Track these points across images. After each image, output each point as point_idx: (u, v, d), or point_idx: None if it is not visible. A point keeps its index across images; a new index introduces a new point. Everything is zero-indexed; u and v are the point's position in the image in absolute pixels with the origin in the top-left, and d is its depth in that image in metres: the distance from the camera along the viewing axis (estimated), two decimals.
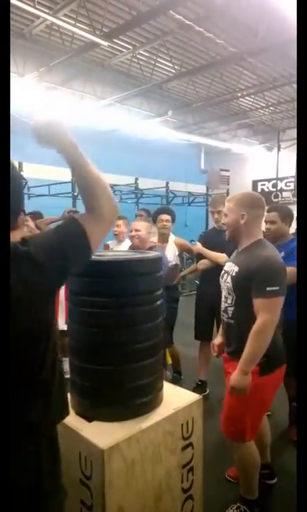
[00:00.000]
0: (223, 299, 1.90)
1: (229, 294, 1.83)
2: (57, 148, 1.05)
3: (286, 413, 2.70)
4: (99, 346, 1.53)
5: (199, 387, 3.16)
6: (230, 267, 1.85)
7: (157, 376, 1.66)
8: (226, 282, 1.85)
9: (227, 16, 4.91)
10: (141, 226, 2.69)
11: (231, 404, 1.82)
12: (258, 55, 5.67)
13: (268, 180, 11.41)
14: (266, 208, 2.83)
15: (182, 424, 1.66)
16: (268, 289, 1.61)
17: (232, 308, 1.82)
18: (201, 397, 1.79)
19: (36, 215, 4.11)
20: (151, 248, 2.72)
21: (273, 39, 5.00)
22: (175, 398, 1.73)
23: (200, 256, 3.10)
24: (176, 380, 3.35)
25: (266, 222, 2.57)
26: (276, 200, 10.76)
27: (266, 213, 2.67)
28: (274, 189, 11.15)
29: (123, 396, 1.55)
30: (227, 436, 1.90)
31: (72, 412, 1.61)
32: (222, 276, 1.93)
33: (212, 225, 10.83)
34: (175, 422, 1.63)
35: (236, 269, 1.78)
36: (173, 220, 3.37)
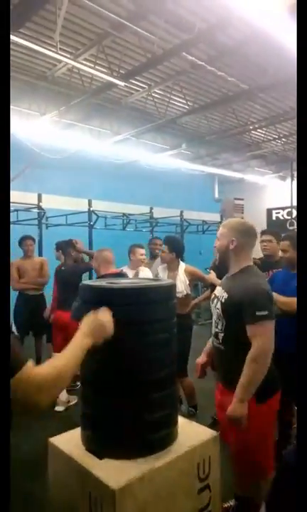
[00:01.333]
0: (213, 323, 1.91)
1: (219, 319, 1.85)
2: (96, 341, 1.23)
3: None
4: (110, 377, 1.50)
5: (215, 423, 3.03)
6: (220, 293, 1.88)
7: (171, 410, 1.61)
8: (216, 308, 1.87)
9: (237, 56, 5.13)
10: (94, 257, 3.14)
11: (238, 449, 1.75)
12: (268, 90, 5.86)
13: (283, 209, 11.41)
14: (271, 237, 2.95)
15: (198, 464, 1.58)
16: (257, 313, 1.64)
17: (222, 334, 1.83)
18: (218, 434, 1.71)
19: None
20: (105, 275, 2.84)
21: (281, 75, 5.18)
22: (191, 435, 1.66)
23: (215, 285, 3.06)
24: (191, 415, 3.22)
25: (281, 250, 2.62)
26: (291, 227, 10.70)
27: (280, 242, 2.70)
28: (289, 217, 11.12)
29: (136, 431, 1.49)
30: (247, 481, 1.78)
31: (82, 447, 1.56)
32: (212, 301, 1.95)
33: None
34: (191, 461, 1.55)
35: (225, 295, 1.82)
36: (172, 250, 3.30)
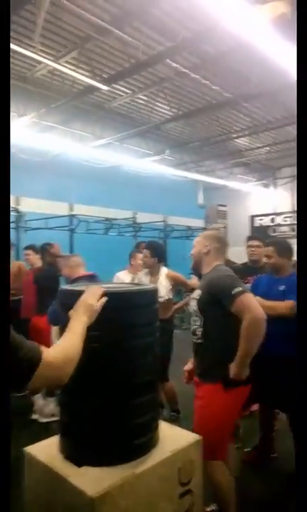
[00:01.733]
0: (192, 322, 2.05)
1: (196, 316, 1.99)
2: (89, 320, 1.29)
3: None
4: (91, 383, 1.46)
5: None
6: (196, 293, 2.05)
7: (153, 415, 1.58)
8: (193, 306, 2.03)
9: (221, 65, 5.21)
10: (63, 264, 3.09)
11: (199, 424, 1.88)
12: (252, 100, 5.97)
13: (266, 216, 11.60)
14: (258, 242, 3.03)
15: (179, 468, 1.55)
16: (233, 292, 1.78)
17: (200, 329, 1.97)
18: (200, 438, 1.69)
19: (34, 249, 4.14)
20: (78, 279, 2.83)
21: (265, 85, 5.29)
22: (172, 439, 1.63)
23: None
24: (173, 419, 3.19)
25: (265, 256, 2.68)
26: (273, 234, 10.89)
27: (265, 248, 2.74)
28: (272, 224, 11.31)
29: (116, 437, 1.45)
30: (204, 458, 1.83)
31: (59, 456, 1.51)
32: (190, 303, 2.11)
33: None
34: (172, 466, 1.52)
35: (199, 292, 1.99)
36: (153, 255, 3.29)
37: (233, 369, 1.81)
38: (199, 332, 1.97)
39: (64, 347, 1.13)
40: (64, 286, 1.78)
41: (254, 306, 1.77)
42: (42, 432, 3.10)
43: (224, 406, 1.84)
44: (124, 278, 3.83)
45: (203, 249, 2.06)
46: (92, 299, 1.35)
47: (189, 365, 2.19)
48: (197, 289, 2.06)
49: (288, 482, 2.44)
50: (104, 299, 1.37)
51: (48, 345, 1.14)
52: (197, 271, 2.15)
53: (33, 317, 3.84)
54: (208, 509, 2.06)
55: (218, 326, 1.89)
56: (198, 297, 1.99)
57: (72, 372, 1.10)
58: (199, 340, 1.98)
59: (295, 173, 10.65)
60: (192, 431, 1.87)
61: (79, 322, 1.27)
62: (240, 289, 1.80)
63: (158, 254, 3.31)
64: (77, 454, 1.48)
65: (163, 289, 3.14)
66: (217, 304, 1.85)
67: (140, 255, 3.80)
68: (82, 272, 3.03)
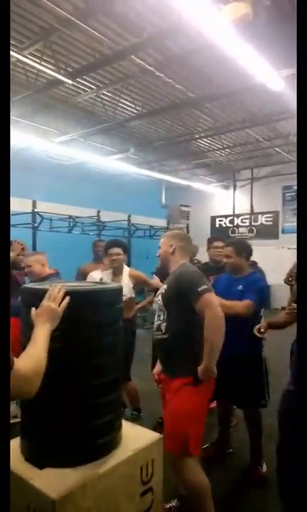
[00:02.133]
0: (156, 318, 2.07)
1: (160, 310, 2.02)
2: (52, 327, 1.30)
3: (246, 450, 2.65)
4: (52, 383, 1.43)
5: (160, 426, 3.03)
6: (161, 288, 2.09)
7: (115, 415, 1.57)
8: (158, 300, 2.07)
9: (185, 64, 5.27)
10: (32, 261, 2.96)
11: (172, 418, 1.88)
12: (214, 100, 6.09)
13: (226, 217, 11.90)
14: (222, 243, 3.05)
15: (141, 467, 1.56)
16: (199, 289, 1.82)
17: (164, 324, 1.99)
18: (162, 436, 1.71)
19: None
20: (48, 276, 2.84)
21: (227, 87, 5.41)
22: (134, 438, 1.64)
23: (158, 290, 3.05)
24: (135, 418, 3.20)
25: (224, 256, 2.71)
26: (233, 235, 11.20)
27: (224, 248, 2.79)
28: (231, 225, 11.63)
29: (78, 438, 1.44)
30: (171, 453, 1.85)
31: (21, 458, 1.47)
32: (156, 298, 2.14)
33: None
34: (134, 465, 1.53)
35: (165, 287, 2.04)
36: (125, 252, 3.28)
37: (203, 367, 1.81)
38: (163, 327, 1.98)
39: (33, 360, 1.13)
40: (26, 285, 1.72)
41: (214, 304, 1.82)
42: None
43: (196, 400, 1.86)
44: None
45: (169, 249, 2.10)
46: (53, 303, 1.34)
47: (158, 367, 2.17)
48: (164, 283, 2.09)
49: (244, 476, 2.53)
50: (66, 302, 1.36)
51: (15, 346, 1.11)
52: (165, 271, 2.20)
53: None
54: (167, 506, 2.06)
55: (183, 321, 1.91)
56: (164, 291, 2.02)
57: (39, 383, 1.10)
58: (164, 336, 1.98)
59: (252, 176, 11.08)
60: (164, 427, 1.90)
61: (43, 330, 1.26)
62: (205, 286, 1.84)
63: (127, 252, 3.33)
64: (38, 455, 1.45)
65: (126, 287, 3.13)
66: (183, 298, 1.88)
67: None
68: (47, 270, 3.00)
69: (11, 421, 3.25)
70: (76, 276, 4.21)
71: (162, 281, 2.93)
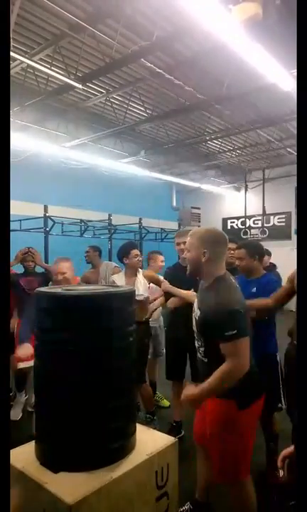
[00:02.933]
0: (196, 336, 1.87)
1: (197, 335, 1.82)
2: None
3: (263, 455, 2.60)
4: (66, 388, 1.43)
5: (174, 429, 3.01)
6: (196, 307, 1.84)
7: (130, 419, 1.56)
8: (194, 323, 1.84)
9: (195, 66, 5.27)
10: (66, 268, 2.86)
11: (221, 450, 1.71)
12: (224, 102, 6.07)
13: (237, 218, 11.82)
14: (235, 245, 2.94)
15: (156, 472, 1.54)
16: (226, 334, 1.57)
17: (202, 349, 1.80)
18: (176, 440, 1.68)
19: None
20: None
21: (237, 88, 5.39)
22: (149, 442, 1.62)
23: (169, 294, 3.02)
24: (149, 422, 3.18)
25: (236, 258, 2.66)
26: (245, 236, 11.12)
27: (236, 250, 2.75)
28: (243, 226, 11.54)
29: (93, 442, 1.43)
30: (223, 483, 1.77)
31: (36, 462, 1.47)
32: (193, 312, 1.91)
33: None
34: (149, 470, 1.51)
35: (198, 312, 1.78)
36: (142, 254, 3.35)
37: (190, 393, 1.63)
38: (201, 351, 1.81)
39: None
40: (39, 289, 1.68)
41: (241, 354, 1.59)
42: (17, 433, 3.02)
43: (242, 423, 1.69)
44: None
45: (201, 256, 1.73)
46: None
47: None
48: (196, 303, 1.85)
49: (261, 481, 2.48)
50: None
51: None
52: (193, 277, 1.89)
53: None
54: (181, 509, 2.02)
55: (218, 349, 1.63)
56: (197, 318, 1.78)
57: None
58: (203, 359, 1.81)
59: (264, 176, 10.98)
60: (212, 459, 1.77)
61: None
62: (234, 332, 1.57)
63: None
64: (53, 459, 1.44)
65: (141, 287, 3.14)
66: (213, 331, 1.65)
67: (160, 257, 3.87)
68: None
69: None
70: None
71: (172, 284, 2.92)
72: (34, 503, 1.33)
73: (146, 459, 1.50)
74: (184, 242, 2.86)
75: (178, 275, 2.87)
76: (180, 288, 2.75)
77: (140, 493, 1.46)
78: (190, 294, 2.70)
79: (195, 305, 1.86)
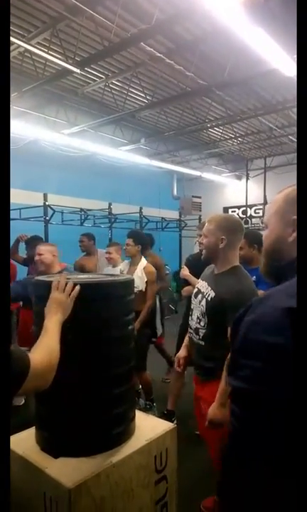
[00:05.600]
0: (195, 318, 1.89)
1: (202, 316, 1.83)
2: (63, 317, 1.31)
3: None
4: (67, 373, 1.43)
5: (165, 417, 3.02)
6: (206, 289, 1.84)
7: (129, 405, 1.57)
8: (200, 305, 1.84)
9: (196, 51, 5.16)
10: (44, 250, 2.80)
11: (219, 438, 1.72)
12: (225, 88, 5.96)
13: (238, 207, 11.76)
14: None
15: (155, 456, 1.56)
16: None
17: (203, 331, 1.82)
18: (175, 426, 1.70)
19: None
20: (60, 271, 2.73)
21: (239, 74, 5.29)
22: (148, 428, 1.64)
23: (186, 281, 3.02)
24: (148, 409, 3.22)
25: None
26: (246, 226, 11.05)
27: None
28: (244, 216, 11.49)
29: (92, 428, 1.44)
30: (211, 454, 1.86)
31: (36, 447, 1.48)
32: (196, 296, 1.93)
33: (185, 249, 10.83)
34: (148, 454, 1.53)
35: (212, 294, 1.78)
36: (137, 243, 3.30)
37: (212, 410, 1.66)
38: (201, 333, 1.83)
39: (46, 354, 1.13)
40: (38, 277, 1.70)
41: None
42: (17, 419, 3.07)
43: None
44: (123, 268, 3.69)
45: (218, 242, 1.77)
46: (62, 294, 1.33)
47: (182, 352, 2.06)
48: (208, 285, 1.85)
49: None
50: (76, 292, 1.35)
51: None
52: (208, 262, 1.94)
53: (21, 311, 3.81)
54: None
55: (222, 333, 1.66)
56: (209, 299, 1.79)
57: (53, 373, 1.12)
58: (200, 342, 1.85)
59: (265, 165, 10.88)
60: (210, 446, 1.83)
61: (53, 322, 1.26)
62: None
63: (141, 241, 3.34)
64: (53, 445, 1.46)
65: (138, 279, 3.14)
66: (225, 313, 1.69)
67: (113, 248, 3.80)
68: (58, 262, 2.95)
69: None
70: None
71: (193, 274, 2.89)
72: (35, 487, 1.35)
73: (145, 444, 1.52)
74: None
75: (197, 264, 2.89)
76: (199, 276, 2.75)
77: (139, 477, 1.48)
78: None
79: (204, 287, 1.86)
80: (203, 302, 1.82)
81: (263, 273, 0.99)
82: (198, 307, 1.87)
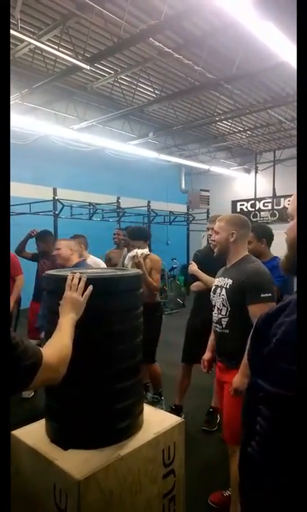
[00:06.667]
0: (216, 310, 2.01)
1: (223, 305, 1.96)
2: (77, 316, 1.34)
3: None
4: (76, 367, 1.47)
5: (173, 412, 3.06)
6: (223, 281, 1.99)
7: (137, 398, 1.61)
8: (221, 295, 1.97)
9: (204, 45, 5.11)
10: (62, 245, 2.89)
11: (228, 408, 1.89)
12: (234, 82, 5.90)
13: (247, 201, 11.68)
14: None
15: (163, 450, 1.60)
16: (262, 295, 1.78)
17: (226, 319, 1.94)
18: (183, 420, 1.73)
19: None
20: (77, 265, 2.80)
21: (248, 67, 5.23)
22: (156, 422, 1.67)
23: (195, 277, 3.02)
24: (156, 402, 3.26)
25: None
26: (254, 219, 11.00)
27: None
28: (253, 209, 11.41)
29: (101, 420, 1.48)
30: (226, 442, 1.96)
31: (46, 439, 1.53)
32: (215, 291, 2.05)
33: (192, 243, 10.80)
34: (156, 448, 1.57)
35: (229, 281, 1.94)
36: (130, 237, 3.36)
37: (236, 379, 1.81)
38: (224, 322, 1.95)
39: (58, 348, 1.17)
40: (48, 272, 1.73)
41: None
42: (27, 410, 3.13)
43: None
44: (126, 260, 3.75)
45: (229, 237, 1.95)
46: (75, 293, 1.37)
47: (207, 354, 2.18)
48: (224, 277, 2.00)
49: None
50: (89, 291, 1.39)
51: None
52: (221, 257, 2.08)
53: (31, 303, 3.93)
54: (225, 494, 2.16)
55: (244, 316, 1.83)
56: (228, 286, 1.93)
57: (66, 368, 1.15)
58: (225, 331, 1.96)
59: (274, 158, 10.75)
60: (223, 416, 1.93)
61: (67, 320, 1.30)
62: (269, 295, 1.79)
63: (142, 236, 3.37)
64: (63, 437, 1.50)
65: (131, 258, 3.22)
66: (251, 291, 1.83)
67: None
68: (76, 257, 2.98)
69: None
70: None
71: (201, 270, 2.91)
72: (44, 478, 1.40)
73: (153, 438, 1.55)
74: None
75: (206, 259, 2.93)
76: (208, 271, 2.78)
77: (147, 470, 1.51)
78: (213, 281, 2.72)
79: (221, 281, 2.01)
80: (223, 292, 1.96)
81: (285, 268, 0.90)
82: (219, 298, 1.99)
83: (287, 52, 4.28)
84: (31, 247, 4.21)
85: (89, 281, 1.43)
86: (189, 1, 3.93)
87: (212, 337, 2.17)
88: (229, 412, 1.90)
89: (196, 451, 2.62)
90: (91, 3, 4.05)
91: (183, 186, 11.95)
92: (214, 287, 2.08)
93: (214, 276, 2.73)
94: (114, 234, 4.53)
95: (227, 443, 1.97)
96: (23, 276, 3.77)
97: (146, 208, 8.76)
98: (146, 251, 3.29)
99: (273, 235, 2.66)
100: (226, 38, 4.88)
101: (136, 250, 3.22)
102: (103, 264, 3.75)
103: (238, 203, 11.91)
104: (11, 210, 6.43)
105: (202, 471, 2.44)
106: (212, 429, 2.99)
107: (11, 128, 6.21)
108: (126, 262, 3.42)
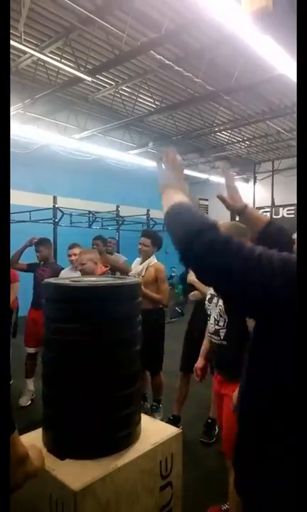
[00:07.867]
0: (212, 321, 1.96)
1: (220, 316, 1.90)
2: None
3: None
4: (73, 376, 1.46)
5: (171, 423, 3.02)
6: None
7: (134, 408, 1.60)
8: (217, 305, 1.92)
9: (204, 58, 5.21)
10: (86, 259, 2.84)
11: (227, 421, 1.84)
12: (233, 93, 6.00)
13: None
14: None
15: (160, 462, 1.58)
16: None
17: (224, 331, 1.89)
18: (181, 431, 1.72)
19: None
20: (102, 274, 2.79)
21: (246, 80, 5.32)
22: (154, 432, 1.65)
23: (193, 286, 3.03)
24: (154, 410, 3.23)
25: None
26: None
27: None
28: None
29: (98, 430, 1.47)
30: (226, 455, 1.93)
31: (43, 449, 1.52)
32: (210, 301, 2.00)
33: None
34: (154, 459, 1.55)
35: None
36: (154, 244, 3.32)
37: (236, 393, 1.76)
38: (222, 333, 1.91)
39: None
40: (48, 280, 1.71)
41: None
42: (25, 419, 3.10)
43: None
44: (70, 274, 3.71)
45: None
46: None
47: (200, 362, 2.14)
48: None
49: None
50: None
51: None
52: None
53: (30, 310, 3.84)
54: (223, 507, 2.13)
55: (241, 327, 1.77)
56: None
57: None
58: (222, 342, 1.92)
59: (273, 168, 10.84)
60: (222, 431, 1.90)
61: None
62: None
63: (158, 245, 3.38)
64: (60, 447, 1.49)
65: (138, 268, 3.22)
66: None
67: (77, 249, 3.78)
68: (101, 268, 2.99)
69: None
70: None
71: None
72: (41, 489, 1.39)
73: (151, 449, 1.53)
74: None
75: None
76: None
77: (144, 481, 1.50)
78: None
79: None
80: (220, 302, 1.91)
81: None
82: (215, 309, 1.94)
83: (284, 65, 4.35)
84: (28, 257, 4.13)
85: (89, 289, 1.43)
86: (189, 15, 4.01)
87: (205, 343, 2.14)
88: (229, 426, 1.86)
89: (194, 463, 2.59)
90: (93, 16, 4.13)
91: None
92: (209, 296, 2.04)
93: None
94: (108, 242, 4.59)
95: (227, 457, 1.94)
96: (18, 283, 3.76)
97: (145, 217, 8.79)
98: (153, 259, 3.33)
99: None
100: (225, 51, 4.97)
101: (142, 266, 3.24)
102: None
103: None
104: (10, 218, 6.45)
105: (200, 484, 2.41)
106: (211, 441, 2.95)
107: (13, 137, 6.28)
108: (133, 268, 3.43)
